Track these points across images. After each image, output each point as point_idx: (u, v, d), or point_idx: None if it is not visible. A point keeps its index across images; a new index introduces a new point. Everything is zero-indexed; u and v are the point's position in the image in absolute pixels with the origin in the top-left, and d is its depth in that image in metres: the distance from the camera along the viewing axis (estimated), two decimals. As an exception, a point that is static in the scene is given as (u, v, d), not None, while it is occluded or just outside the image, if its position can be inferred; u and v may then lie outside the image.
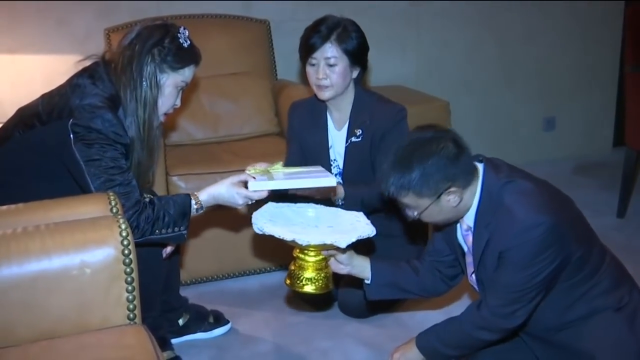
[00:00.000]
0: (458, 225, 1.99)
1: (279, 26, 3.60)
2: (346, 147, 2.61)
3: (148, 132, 2.15)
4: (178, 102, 2.23)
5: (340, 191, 2.44)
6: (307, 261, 1.96)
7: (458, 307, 2.72)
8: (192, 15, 3.41)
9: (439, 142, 1.83)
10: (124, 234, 1.68)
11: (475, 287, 2.01)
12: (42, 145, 2.09)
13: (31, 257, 1.63)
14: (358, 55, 2.54)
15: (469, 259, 1.99)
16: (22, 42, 3.32)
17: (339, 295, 2.68)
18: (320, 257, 1.97)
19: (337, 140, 2.65)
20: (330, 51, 2.49)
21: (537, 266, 1.78)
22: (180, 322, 2.53)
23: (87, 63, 2.17)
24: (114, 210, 1.83)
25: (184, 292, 2.63)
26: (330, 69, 2.50)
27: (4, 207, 1.82)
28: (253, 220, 1.98)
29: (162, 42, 2.12)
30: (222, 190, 2.19)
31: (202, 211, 2.18)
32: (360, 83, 2.66)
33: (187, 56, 2.17)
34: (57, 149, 2.05)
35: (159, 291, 2.35)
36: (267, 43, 3.52)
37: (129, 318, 1.71)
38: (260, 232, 1.95)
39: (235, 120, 3.23)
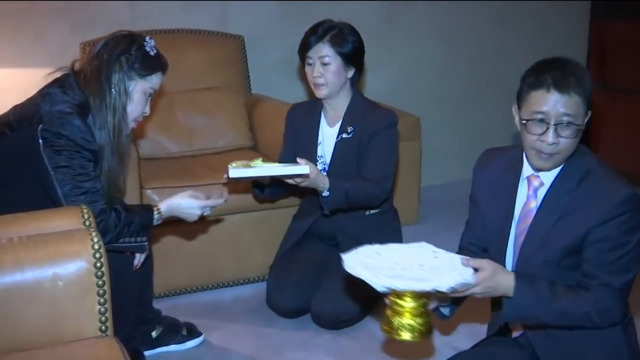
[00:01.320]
0: (521, 184, 1.93)
1: (253, 42, 3.65)
2: (336, 143, 2.72)
3: (118, 139, 2.18)
4: (147, 110, 2.28)
5: (326, 181, 2.52)
6: (404, 307, 1.73)
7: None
8: (167, 30, 3.45)
9: None
10: (96, 246, 1.70)
11: (511, 257, 1.94)
12: (11, 151, 2.12)
13: (4, 270, 1.64)
14: (352, 56, 2.67)
15: (523, 226, 1.91)
16: (-1, 56, 3.33)
17: (311, 307, 2.72)
18: (419, 301, 1.74)
19: (328, 137, 2.76)
20: (324, 50, 2.63)
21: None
22: (154, 334, 2.55)
23: (59, 75, 2.22)
24: (87, 223, 1.85)
25: (157, 304, 2.65)
26: (324, 67, 2.64)
27: (-22, 221, 1.83)
28: (369, 281, 1.71)
29: (129, 50, 2.17)
30: (181, 201, 2.28)
31: (159, 222, 2.24)
32: (356, 86, 2.77)
33: (154, 63, 2.22)
34: (26, 155, 2.08)
35: (132, 303, 2.37)
36: (242, 58, 3.57)
37: (101, 330, 1.73)
38: (387, 289, 1.71)
39: (209, 134, 3.27)
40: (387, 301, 1.76)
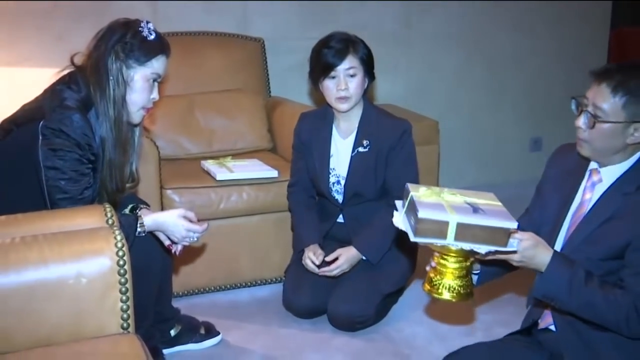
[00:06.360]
0: (586, 176, 1.95)
1: (273, 44, 3.67)
2: (352, 157, 2.71)
3: (118, 129, 2.17)
4: (156, 95, 2.24)
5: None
6: (447, 267, 1.79)
7: (443, 325, 2.79)
8: (188, 32, 3.48)
9: None
10: (119, 244, 1.73)
11: (560, 246, 1.94)
12: (15, 147, 2.14)
13: (29, 267, 1.67)
14: (370, 63, 2.68)
15: (577, 217, 1.93)
16: (22, 56, 3.36)
17: (328, 308, 2.73)
18: (462, 264, 1.79)
19: (342, 149, 2.75)
20: (350, 62, 2.61)
21: None
22: (172, 332, 2.57)
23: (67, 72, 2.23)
24: (110, 221, 1.87)
25: (176, 303, 2.67)
26: (350, 79, 2.62)
27: (3, 217, 1.86)
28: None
29: (124, 38, 2.15)
30: (167, 219, 2.21)
31: (143, 235, 2.18)
32: (366, 95, 2.77)
33: (153, 48, 2.19)
34: (26, 151, 2.09)
35: (152, 302, 2.39)
36: (262, 61, 3.59)
37: (122, 327, 1.75)
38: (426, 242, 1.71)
39: (229, 136, 3.29)
40: (432, 262, 1.81)
